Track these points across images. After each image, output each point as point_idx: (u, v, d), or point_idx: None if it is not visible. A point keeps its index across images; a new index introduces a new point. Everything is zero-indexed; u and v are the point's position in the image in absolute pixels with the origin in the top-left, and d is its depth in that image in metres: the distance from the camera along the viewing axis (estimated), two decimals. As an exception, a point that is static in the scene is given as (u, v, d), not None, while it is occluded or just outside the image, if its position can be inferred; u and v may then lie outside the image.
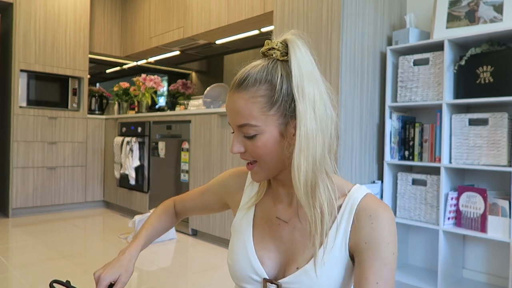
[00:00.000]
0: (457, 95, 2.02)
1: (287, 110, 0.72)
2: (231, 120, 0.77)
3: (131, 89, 4.08)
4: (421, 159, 2.14)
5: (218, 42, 3.74)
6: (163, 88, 4.18)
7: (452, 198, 1.99)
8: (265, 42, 0.76)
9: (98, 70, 5.11)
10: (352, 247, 0.76)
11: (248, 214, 0.87)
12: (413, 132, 2.18)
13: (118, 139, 3.70)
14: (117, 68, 5.12)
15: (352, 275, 0.78)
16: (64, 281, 0.87)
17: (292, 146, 0.71)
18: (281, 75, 0.72)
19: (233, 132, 0.78)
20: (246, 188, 0.90)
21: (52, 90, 3.79)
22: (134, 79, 4.05)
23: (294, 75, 0.71)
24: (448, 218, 1.99)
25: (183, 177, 3.07)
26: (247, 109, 0.72)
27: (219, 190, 0.97)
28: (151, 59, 4.65)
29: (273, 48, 0.74)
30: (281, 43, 0.74)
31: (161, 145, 3.32)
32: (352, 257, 0.77)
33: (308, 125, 0.70)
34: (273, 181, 0.84)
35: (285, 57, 0.73)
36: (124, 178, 3.69)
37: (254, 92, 0.72)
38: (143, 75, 3.99)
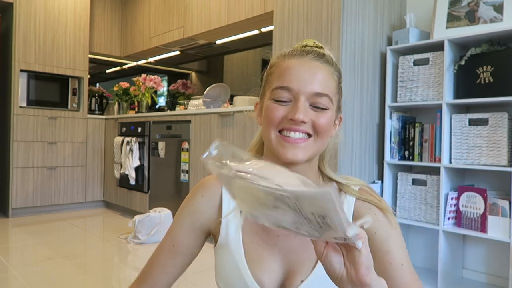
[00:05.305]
0: (457, 95, 2.02)
1: (339, 103, 0.77)
2: (302, 85, 0.69)
3: (131, 89, 4.08)
4: (421, 159, 2.14)
5: (218, 42, 3.74)
6: (163, 88, 4.18)
7: (452, 198, 1.99)
8: (309, 41, 0.77)
9: (98, 70, 5.11)
10: None
11: (235, 231, 0.77)
12: (413, 132, 2.18)
13: (118, 139, 3.70)
14: (117, 68, 5.12)
15: None
16: None
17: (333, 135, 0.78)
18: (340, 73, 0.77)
19: (285, 101, 0.70)
20: (224, 203, 0.79)
21: (52, 90, 3.79)
22: (134, 79, 4.05)
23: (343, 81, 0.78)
24: (448, 218, 1.99)
25: (183, 177, 3.07)
26: (329, 82, 0.72)
27: (196, 221, 0.80)
28: (151, 59, 4.65)
29: (322, 48, 0.77)
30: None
31: (161, 145, 3.32)
32: None
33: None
34: None
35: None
36: (124, 178, 3.69)
37: (332, 72, 0.73)
38: (143, 75, 3.99)
